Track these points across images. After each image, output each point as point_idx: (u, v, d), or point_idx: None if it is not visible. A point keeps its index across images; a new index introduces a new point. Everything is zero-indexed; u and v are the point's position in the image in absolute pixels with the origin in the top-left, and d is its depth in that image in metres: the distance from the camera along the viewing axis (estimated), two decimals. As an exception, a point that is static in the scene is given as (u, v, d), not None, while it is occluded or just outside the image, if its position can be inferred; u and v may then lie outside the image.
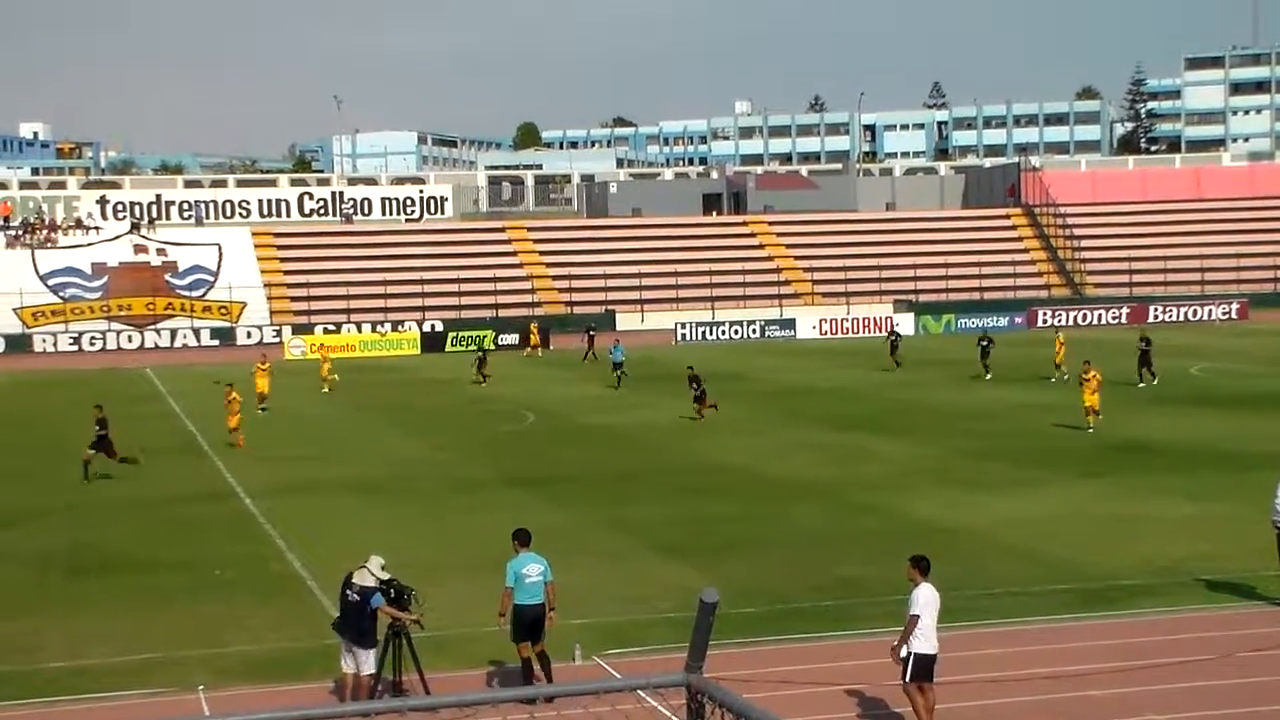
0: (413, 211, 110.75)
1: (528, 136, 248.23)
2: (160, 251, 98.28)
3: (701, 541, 27.76)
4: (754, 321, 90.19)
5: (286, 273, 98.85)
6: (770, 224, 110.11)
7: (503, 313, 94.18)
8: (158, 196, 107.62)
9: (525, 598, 18.49)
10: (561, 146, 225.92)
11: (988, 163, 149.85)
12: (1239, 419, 43.72)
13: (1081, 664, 18.78)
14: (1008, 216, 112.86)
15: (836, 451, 39.24)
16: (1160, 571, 24.24)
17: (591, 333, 74.81)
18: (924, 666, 16.31)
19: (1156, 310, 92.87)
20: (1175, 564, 24.69)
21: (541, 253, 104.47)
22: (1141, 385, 52.36)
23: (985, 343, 59.56)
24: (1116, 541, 26.72)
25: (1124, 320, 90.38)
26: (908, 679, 16.36)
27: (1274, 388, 51.94)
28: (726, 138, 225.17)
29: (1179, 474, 34.09)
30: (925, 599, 16.37)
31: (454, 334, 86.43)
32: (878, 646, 19.22)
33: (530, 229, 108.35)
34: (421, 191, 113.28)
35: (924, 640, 16.28)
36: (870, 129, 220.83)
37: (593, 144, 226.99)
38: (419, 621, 18.18)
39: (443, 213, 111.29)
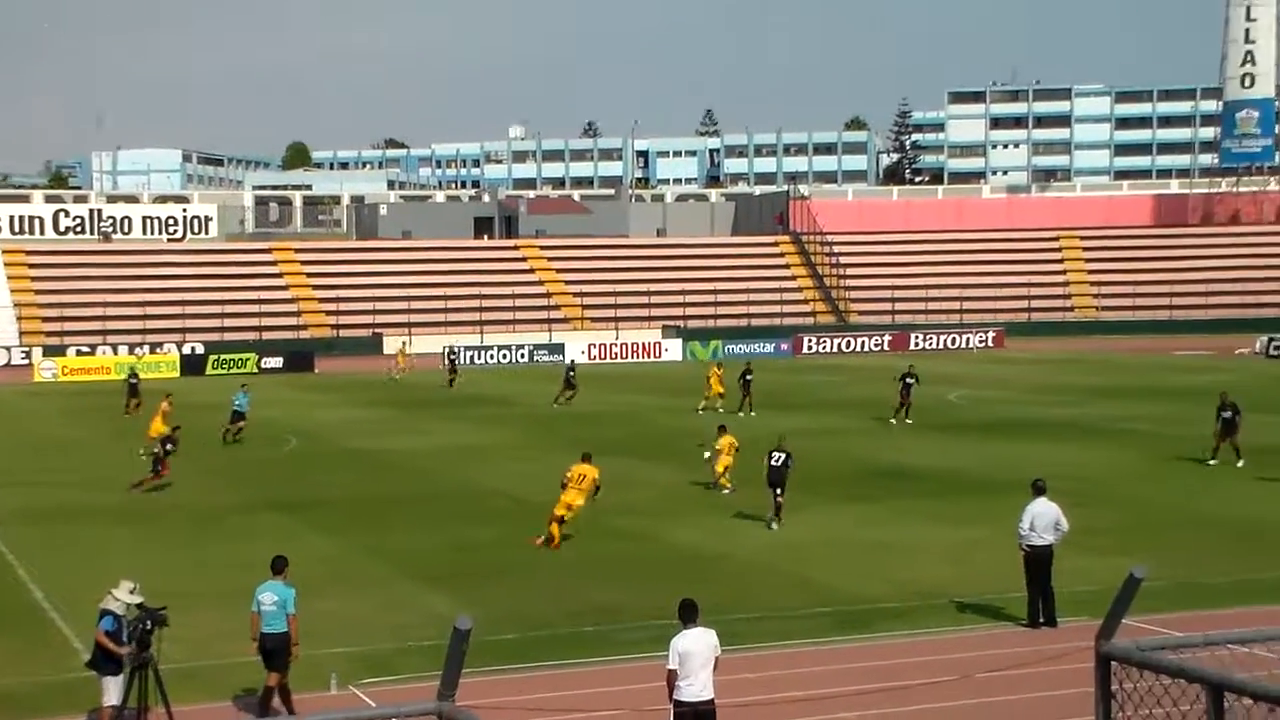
0: (175, 231, 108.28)
1: (297, 156, 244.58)
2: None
3: (462, 568, 27.53)
4: (523, 345, 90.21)
5: (38, 292, 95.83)
6: (542, 248, 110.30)
7: (266, 335, 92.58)
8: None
9: (263, 626, 18.27)
10: (332, 167, 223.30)
11: (757, 190, 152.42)
12: (994, 445, 45.06)
13: (832, 686, 18.99)
14: (776, 244, 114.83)
15: (601, 477, 39.14)
16: (915, 594, 24.73)
17: (571, 373, 62.20)
18: (681, 716, 15.78)
19: (917, 338, 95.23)
20: (930, 587, 25.21)
21: (309, 274, 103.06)
22: (894, 423, 50.71)
23: (749, 376, 56.46)
24: (875, 566, 27.19)
25: (886, 348, 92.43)
26: None
27: (1027, 415, 53.70)
28: (500, 161, 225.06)
29: (936, 499, 34.93)
30: (678, 649, 15.81)
31: (215, 357, 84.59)
32: (634, 672, 19.20)
33: (298, 250, 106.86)
34: (185, 210, 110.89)
35: (683, 688, 15.75)
36: (643, 155, 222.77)
37: (364, 165, 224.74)
38: (127, 657, 17.16)
39: (207, 233, 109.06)
